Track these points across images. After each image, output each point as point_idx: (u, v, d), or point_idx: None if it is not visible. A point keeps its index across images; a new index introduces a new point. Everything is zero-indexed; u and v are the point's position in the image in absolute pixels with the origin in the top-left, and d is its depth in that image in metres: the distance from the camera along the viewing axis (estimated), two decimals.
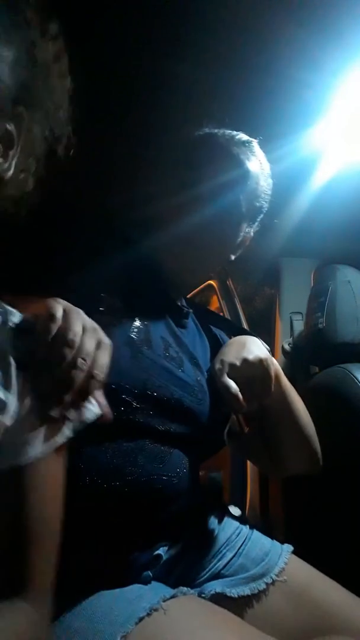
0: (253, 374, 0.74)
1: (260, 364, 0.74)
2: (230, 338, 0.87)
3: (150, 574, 0.66)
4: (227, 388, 0.70)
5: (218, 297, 1.92)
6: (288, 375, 1.54)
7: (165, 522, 0.69)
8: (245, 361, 0.73)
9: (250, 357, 0.74)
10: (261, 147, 0.88)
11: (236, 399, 0.70)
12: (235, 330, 0.94)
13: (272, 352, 1.59)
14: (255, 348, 0.77)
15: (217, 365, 0.74)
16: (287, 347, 1.49)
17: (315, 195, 1.15)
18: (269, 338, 1.66)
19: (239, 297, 1.85)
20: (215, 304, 2.32)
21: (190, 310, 0.86)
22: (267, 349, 0.81)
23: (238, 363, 0.73)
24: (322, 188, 1.12)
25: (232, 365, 0.73)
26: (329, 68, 0.75)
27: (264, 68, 0.75)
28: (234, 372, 0.72)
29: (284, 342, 1.51)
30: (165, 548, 0.70)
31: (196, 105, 0.85)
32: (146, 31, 0.69)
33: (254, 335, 0.83)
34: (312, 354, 1.36)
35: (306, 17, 0.66)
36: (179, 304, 0.84)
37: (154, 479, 0.65)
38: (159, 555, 0.68)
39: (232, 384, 0.71)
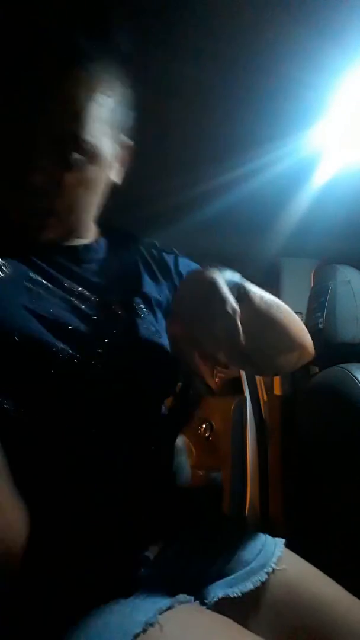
0: (216, 334, 0.58)
1: (223, 319, 0.58)
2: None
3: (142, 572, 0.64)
4: (187, 363, 0.59)
5: None
6: (288, 376, 1.54)
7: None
8: (204, 325, 0.58)
9: (211, 318, 0.58)
10: (261, 147, 0.88)
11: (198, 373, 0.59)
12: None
13: None
14: (216, 298, 0.60)
15: (171, 331, 0.63)
16: None
17: (315, 195, 1.15)
18: None
19: None
20: None
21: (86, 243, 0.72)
22: (233, 282, 0.65)
23: (195, 330, 0.59)
24: (322, 188, 1.12)
25: (188, 333, 0.59)
26: (329, 68, 0.75)
27: (264, 68, 0.75)
28: (192, 340, 0.59)
29: None
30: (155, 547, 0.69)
31: (196, 105, 0.85)
32: (145, 31, 0.69)
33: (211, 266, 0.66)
34: None
35: (306, 17, 0.66)
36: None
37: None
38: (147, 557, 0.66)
39: (193, 358, 0.59)
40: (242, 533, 0.79)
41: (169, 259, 0.82)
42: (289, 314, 0.78)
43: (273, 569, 0.71)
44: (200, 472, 2.06)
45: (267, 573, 0.71)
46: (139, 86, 0.79)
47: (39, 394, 0.59)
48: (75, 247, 0.71)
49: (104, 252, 0.75)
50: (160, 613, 0.56)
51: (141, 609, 0.57)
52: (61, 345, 0.60)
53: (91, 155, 0.63)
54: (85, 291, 0.68)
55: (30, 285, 0.63)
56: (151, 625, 0.54)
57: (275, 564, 0.72)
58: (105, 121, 0.63)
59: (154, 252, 0.82)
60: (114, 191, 0.72)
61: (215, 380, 0.66)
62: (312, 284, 1.50)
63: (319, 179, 1.10)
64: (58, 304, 0.64)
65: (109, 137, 0.65)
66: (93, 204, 0.68)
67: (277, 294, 1.56)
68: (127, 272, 0.75)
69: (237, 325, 0.58)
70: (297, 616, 0.68)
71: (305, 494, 1.33)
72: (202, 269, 0.66)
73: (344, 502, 1.12)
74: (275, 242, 1.39)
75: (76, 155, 0.61)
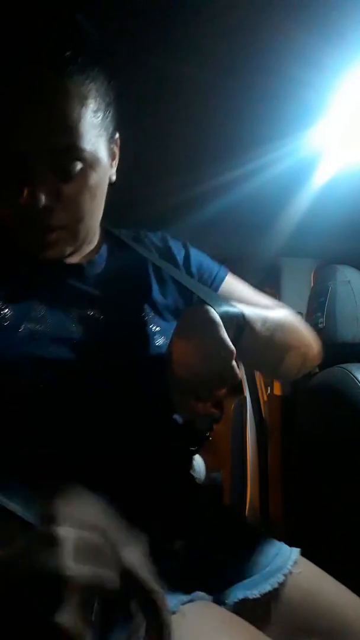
0: (210, 375, 0.59)
1: (217, 362, 0.59)
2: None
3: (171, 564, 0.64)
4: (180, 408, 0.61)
5: None
6: None
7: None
8: (197, 368, 0.59)
9: (204, 361, 0.59)
10: (261, 147, 0.88)
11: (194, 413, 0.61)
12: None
13: None
14: (209, 342, 0.60)
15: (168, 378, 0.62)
16: None
17: (315, 195, 1.15)
18: None
19: None
20: None
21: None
22: (232, 312, 0.64)
23: (187, 374, 0.59)
24: (322, 188, 1.12)
25: (181, 376, 0.60)
26: (329, 68, 0.75)
27: (264, 68, 0.75)
28: (187, 387, 0.61)
29: None
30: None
31: (196, 105, 0.85)
32: (145, 31, 0.69)
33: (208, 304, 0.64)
34: None
35: (306, 17, 0.66)
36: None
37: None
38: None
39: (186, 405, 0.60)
40: (260, 536, 0.80)
41: (178, 252, 0.81)
42: (294, 333, 0.77)
43: (290, 572, 0.72)
44: None
45: (285, 575, 0.71)
46: (139, 86, 0.79)
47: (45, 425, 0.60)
48: (80, 265, 0.71)
49: (107, 261, 0.74)
50: (182, 604, 0.58)
51: None
52: (63, 383, 0.61)
53: (90, 162, 0.62)
54: (91, 311, 0.67)
55: (32, 326, 0.63)
56: (173, 613, 0.55)
57: (292, 567, 0.73)
58: (99, 125, 0.63)
59: (162, 247, 0.81)
60: (115, 191, 0.72)
61: (217, 409, 0.68)
62: (312, 284, 1.50)
63: (319, 179, 1.10)
64: (61, 335, 0.64)
65: (104, 139, 0.65)
66: (98, 208, 0.68)
67: (277, 294, 1.57)
68: (131, 279, 0.75)
69: (232, 368, 0.59)
70: (311, 620, 0.69)
71: (305, 494, 1.33)
72: (200, 307, 0.64)
73: (344, 502, 1.12)
74: (275, 242, 1.39)
75: (77, 165, 0.60)
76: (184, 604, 0.59)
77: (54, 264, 0.68)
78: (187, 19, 0.67)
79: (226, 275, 0.84)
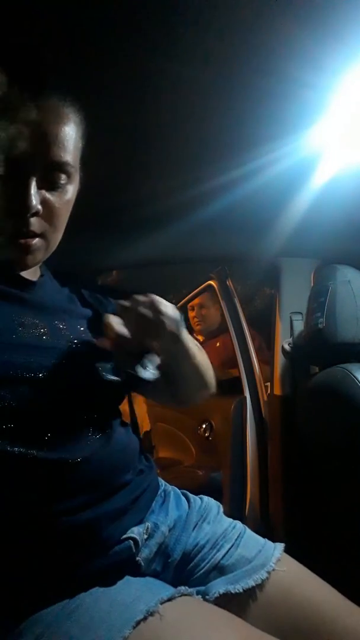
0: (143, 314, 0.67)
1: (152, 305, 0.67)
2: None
3: (132, 548, 0.67)
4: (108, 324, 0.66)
5: (218, 297, 1.92)
6: (288, 376, 1.55)
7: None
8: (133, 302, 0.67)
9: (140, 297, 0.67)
10: (261, 147, 0.88)
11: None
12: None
13: (272, 352, 1.60)
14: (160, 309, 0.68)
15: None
16: (287, 347, 1.50)
17: (315, 195, 1.15)
18: (269, 338, 1.66)
19: (239, 297, 1.85)
20: (215, 305, 2.32)
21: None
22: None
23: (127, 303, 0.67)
24: (322, 188, 1.13)
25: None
26: (329, 68, 0.75)
27: (264, 68, 0.75)
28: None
29: (284, 342, 1.51)
30: (140, 529, 0.70)
31: (196, 105, 0.85)
32: (145, 31, 0.69)
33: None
34: (312, 354, 1.36)
35: (306, 17, 0.66)
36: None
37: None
38: (133, 538, 0.69)
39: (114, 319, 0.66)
40: (243, 532, 0.81)
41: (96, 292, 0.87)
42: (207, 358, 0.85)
43: (273, 569, 0.74)
44: (200, 472, 2.06)
45: (268, 572, 0.73)
46: (139, 86, 0.79)
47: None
48: (32, 282, 0.75)
49: (52, 283, 0.81)
50: (161, 603, 0.60)
51: (142, 599, 0.60)
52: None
53: (73, 177, 0.69)
54: (35, 319, 0.71)
55: None
56: (151, 614, 0.58)
57: (275, 564, 0.74)
58: (76, 142, 0.69)
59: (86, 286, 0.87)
60: (115, 191, 0.72)
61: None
62: (312, 284, 1.50)
63: (319, 179, 1.10)
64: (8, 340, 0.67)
65: (78, 156, 0.71)
66: (65, 223, 0.73)
67: (277, 294, 1.58)
68: (67, 296, 0.82)
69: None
70: (292, 616, 0.70)
71: (305, 494, 1.33)
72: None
73: (344, 502, 1.12)
74: (275, 242, 1.39)
75: (62, 178, 0.67)
76: (163, 602, 0.60)
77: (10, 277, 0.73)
78: (187, 19, 0.67)
79: None
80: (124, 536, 0.68)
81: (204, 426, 2.07)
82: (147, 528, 0.72)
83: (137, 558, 0.69)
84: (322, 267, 1.40)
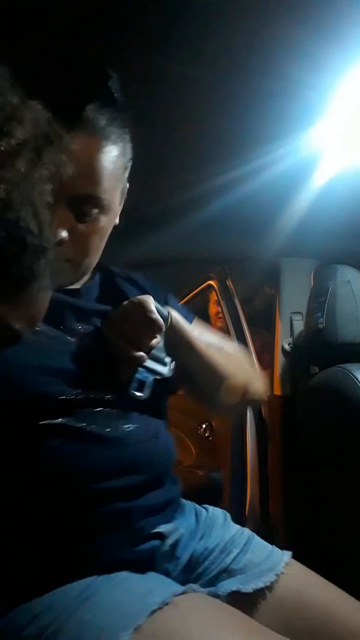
0: (134, 319, 0.71)
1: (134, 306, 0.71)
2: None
3: (157, 545, 0.69)
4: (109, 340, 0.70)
5: (218, 297, 1.92)
6: (288, 376, 1.55)
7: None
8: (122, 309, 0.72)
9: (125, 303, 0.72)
10: (261, 147, 0.88)
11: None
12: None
13: (272, 352, 1.60)
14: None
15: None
16: (287, 347, 1.50)
17: (315, 196, 1.15)
18: (269, 338, 1.66)
19: (239, 297, 1.85)
20: (214, 303, 2.32)
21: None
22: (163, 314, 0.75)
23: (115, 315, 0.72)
24: (322, 188, 1.12)
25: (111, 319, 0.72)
26: (329, 68, 0.75)
27: (264, 68, 0.75)
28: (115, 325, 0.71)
29: (284, 342, 1.51)
30: (167, 527, 0.72)
31: (196, 105, 0.85)
32: (145, 31, 0.69)
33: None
34: (312, 354, 1.36)
35: (306, 17, 0.66)
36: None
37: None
38: (161, 533, 0.71)
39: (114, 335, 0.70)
40: (251, 538, 0.82)
41: (158, 293, 0.86)
42: (237, 363, 0.86)
43: (282, 572, 0.75)
44: (200, 472, 2.06)
45: (277, 575, 0.74)
46: (139, 86, 0.79)
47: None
48: (78, 290, 0.77)
49: (99, 287, 0.82)
50: (175, 596, 0.61)
51: (157, 591, 0.62)
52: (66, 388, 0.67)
53: (106, 209, 0.69)
54: (84, 325, 0.74)
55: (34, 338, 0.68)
56: (166, 604, 0.59)
57: (284, 568, 0.76)
58: (115, 174, 0.68)
59: (143, 285, 0.87)
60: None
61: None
62: (312, 284, 1.50)
63: (319, 179, 1.10)
64: (59, 347, 0.69)
65: (118, 188, 0.71)
66: (101, 247, 0.73)
67: (277, 294, 1.58)
68: (116, 301, 0.82)
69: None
70: (301, 617, 0.71)
71: (305, 494, 1.33)
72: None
73: (344, 502, 1.12)
74: (275, 242, 1.39)
75: (93, 211, 0.67)
76: (177, 595, 0.61)
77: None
78: (187, 19, 0.67)
79: (193, 319, 0.90)
80: (154, 530, 0.70)
81: (204, 426, 2.07)
82: (173, 528, 0.74)
83: (160, 553, 0.71)
84: (322, 267, 1.40)
